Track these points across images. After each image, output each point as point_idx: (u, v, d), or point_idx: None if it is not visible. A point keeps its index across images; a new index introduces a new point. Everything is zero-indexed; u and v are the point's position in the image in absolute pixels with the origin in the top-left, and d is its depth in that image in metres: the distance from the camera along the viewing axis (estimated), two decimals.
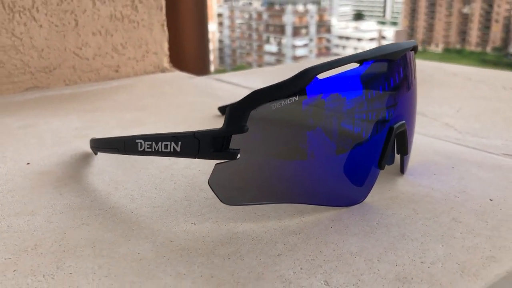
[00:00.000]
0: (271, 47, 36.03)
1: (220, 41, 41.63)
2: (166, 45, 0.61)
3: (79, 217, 0.23)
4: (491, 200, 0.24)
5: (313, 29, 35.75)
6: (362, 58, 0.22)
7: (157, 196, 0.25)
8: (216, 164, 0.21)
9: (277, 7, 36.36)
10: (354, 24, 41.65)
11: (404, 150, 0.25)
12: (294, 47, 35.12)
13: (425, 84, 0.49)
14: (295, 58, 33.65)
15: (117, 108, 0.44)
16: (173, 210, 0.24)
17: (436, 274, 0.18)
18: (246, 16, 38.99)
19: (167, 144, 0.22)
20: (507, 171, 0.27)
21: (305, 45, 35.38)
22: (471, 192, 0.25)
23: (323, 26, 36.28)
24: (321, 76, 0.21)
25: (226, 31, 40.83)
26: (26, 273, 0.19)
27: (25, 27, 0.50)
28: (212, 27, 38.46)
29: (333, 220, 0.22)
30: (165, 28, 0.60)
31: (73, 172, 0.29)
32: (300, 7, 35.71)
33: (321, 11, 36.34)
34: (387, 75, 0.23)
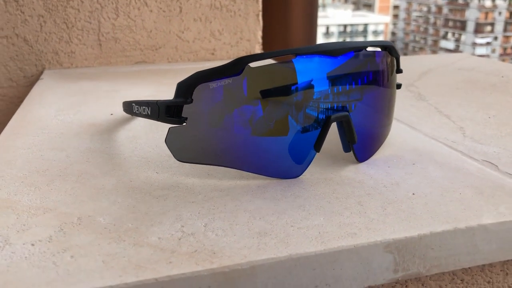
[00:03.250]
0: (448, 43, 33.60)
1: (393, 34, 40.19)
2: (259, 34, 0.67)
3: (89, 156, 0.31)
4: (413, 194, 0.25)
5: (499, 26, 32.35)
6: (297, 52, 0.25)
7: (151, 151, 0.32)
8: (170, 127, 0.26)
9: (460, 1, 33.67)
10: None
11: (351, 138, 0.28)
12: (475, 44, 32.25)
13: (489, 88, 0.47)
14: None
15: None
16: (152, 161, 0.30)
17: (292, 235, 0.21)
18: (425, 9, 36.90)
19: (144, 108, 0.28)
20: (459, 173, 0.28)
21: (488, 44, 32.23)
22: (403, 185, 0.26)
23: None
24: (258, 65, 0.25)
25: (401, 24, 39.22)
26: (28, 184, 0.27)
27: (138, 11, 0.61)
28: (386, 18, 37.28)
29: (259, 186, 0.26)
30: (260, 17, 0.66)
31: (113, 126, 0.37)
32: (488, 2, 32.52)
33: None
34: (333, 71, 0.26)
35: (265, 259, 0.20)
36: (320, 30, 35.34)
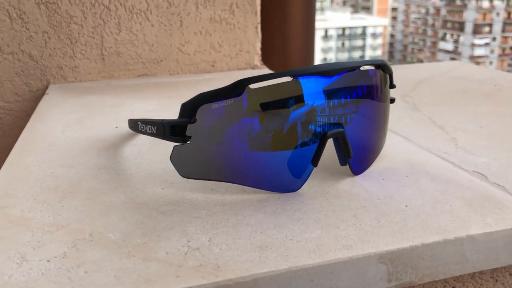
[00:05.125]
0: (446, 45, 33.66)
1: (392, 36, 40.29)
2: (258, 45, 0.69)
3: (97, 173, 0.32)
4: (406, 206, 0.27)
5: (498, 27, 32.41)
6: (294, 74, 0.27)
7: (157, 166, 0.33)
8: (174, 145, 0.28)
9: (458, 2, 33.74)
10: None
11: (347, 153, 0.29)
12: (473, 45, 32.31)
13: (482, 98, 0.49)
14: (473, 58, 30.98)
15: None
16: (158, 177, 0.32)
17: (291, 248, 0.23)
18: (423, 11, 37.00)
19: (150, 127, 0.30)
20: (450, 185, 0.29)
21: (486, 44, 32.30)
22: (396, 197, 0.28)
23: None
24: (258, 85, 0.27)
25: (399, 26, 39.32)
26: (40, 201, 0.28)
27: (140, 25, 0.63)
28: (384, 21, 37.37)
29: (260, 200, 0.28)
30: (259, 30, 0.68)
31: (119, 141, 0.39)
32: (485, 3, 32.59)
33: (511, 8, 32.68)
34: (328, 89, 0.28)
35: (267, 272, 0.21)
36: (319, 34, 35.43)
